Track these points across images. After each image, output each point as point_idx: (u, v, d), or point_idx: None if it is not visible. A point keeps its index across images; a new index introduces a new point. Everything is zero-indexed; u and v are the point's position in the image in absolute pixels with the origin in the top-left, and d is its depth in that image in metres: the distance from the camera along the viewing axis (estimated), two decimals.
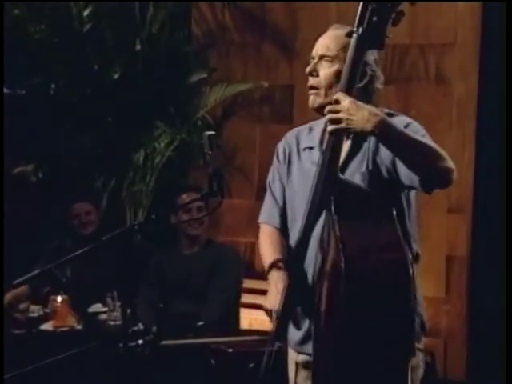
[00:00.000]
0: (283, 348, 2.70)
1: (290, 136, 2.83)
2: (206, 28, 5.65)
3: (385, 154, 2.54)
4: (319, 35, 2.72)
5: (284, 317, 2.60)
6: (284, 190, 2.78)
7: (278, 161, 2.81)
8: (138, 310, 4.48)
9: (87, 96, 5.42)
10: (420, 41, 5.03)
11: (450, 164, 2.47)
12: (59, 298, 4.33)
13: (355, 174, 2.58)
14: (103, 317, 4.43)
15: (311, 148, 2.70)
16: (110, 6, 5.43)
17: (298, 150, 2.76)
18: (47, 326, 4.31)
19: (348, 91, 2.46)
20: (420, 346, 2.65)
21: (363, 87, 2.59)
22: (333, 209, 2.43)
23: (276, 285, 2.62)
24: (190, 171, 5.55)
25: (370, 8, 2.43)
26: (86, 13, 5.35)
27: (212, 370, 3.97)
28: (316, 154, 2.64)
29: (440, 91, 5.00)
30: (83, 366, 3.74)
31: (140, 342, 2.56)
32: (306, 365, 2.66)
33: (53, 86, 5.50)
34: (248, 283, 4.87)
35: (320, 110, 2.63)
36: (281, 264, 2.68)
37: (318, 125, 2.71)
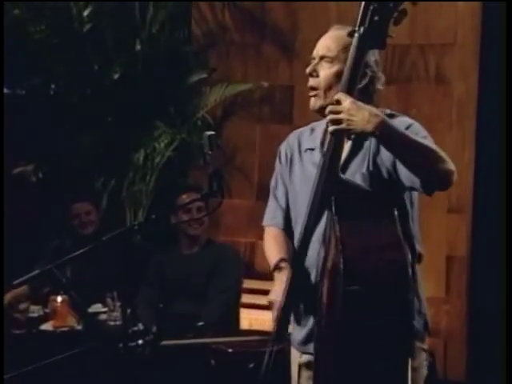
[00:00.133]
0: (284, 348, 2.70)
1: (291, 138, 2.83)
2: (206, 28, 5.65)
3: (385, 155, 2.53)
4: (319, 35, 2.72)
5: (285, 316, 2.60)
6: (287, 192, 2.79)
7: (280, 163, 2.82)
8: (138, 310, 4.48)
9: (87, 96, 5.42)
10: (420, 41, 5.03)
11: (451, 166, 2.46)
12: (59, 298, 4.32)
13: (356, 174, 2.58)
14: (103, 317, 4.43)
15: (312, 149, 2.70)
16: (110, 6, 5.43)
17: (300, 152, 2.76)
18: (47, 326, 4.31)
19: (349, 91, 2.46)
20: (424, 346, 2.65)
21: (363, 88, 2.59)
22: (333, 209, 2.44)
23: (282, 281, 2.62)
24: (190, 171, 5.54)
25: (371, 7, 2.43)
26: (85, 13, 5.35)
27: (212, 370, 3.97)
28: (317, 155, 2.64)
29: (440, 91, 5.00)
30: (83, 366, 3.74)
31: (140, 342, 2.55)
32: (309, 365, 2.65)
33: (53, 86, 5.50)
34: (248, 283, 4.87)
35: (321, 112, 2.63)
36: (285, 263, 2.68)
37: (320, 126, 2.71)
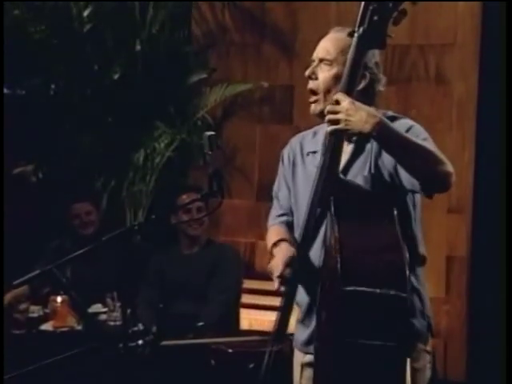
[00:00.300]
0: (283, 348, 2.70)
1: (294, 141, 2.83)
2: (206, 28, 5.65)
3: (387, 157, 2.53)
4: (319, 36, 2.72)
5: (284, 316, 2.60)
6: (289, 194, 2.79)
7: (283, 165, 2.82)
8: (138, 310, 4.48)
9: (87, 96, 5.42)
10: (420, 41, 5.03)
11: (449, 168, 2.46)
12: (59, 299, 4.32)
13: (357, 176, 2.58)
14: (103, 317, 4.43)
15: (315, 152, 2.70)
16: (110, 6, 5.42)
17: (302, 155, 2.76)
18: (47, 327, 4.31)
19: (348, 92, 2.47)
20: (427, 348, 2.65)
21: (363, 90, 2.59)
22: (332, 209, 2.44)
23: (282, 251, 2.63)
24: (190, 171, 5.55)
25: (370, 7, 2.43)
26: (86, 13, 5.35)
27: (212, 370, 3.97)
28: (319, 158, 2.64)
29: (440, 91, 5.01)
30: (83, 366, 3.73)
31: (140, 342, 2.55)
32: (311, 365, 2.65)
33: (53, 86, 5.50)
34: (248, 283, 4.87)
35: (322, 116, 2.64)
36: (283, 241, 2.69)
37: (322, 129, 2.71)
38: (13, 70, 5.22)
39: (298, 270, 2.55)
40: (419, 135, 2.55)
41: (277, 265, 2.56)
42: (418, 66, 5.05)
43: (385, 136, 2.43)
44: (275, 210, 2.86)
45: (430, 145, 2.52)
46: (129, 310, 4.25)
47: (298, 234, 2.68)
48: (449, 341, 4.94)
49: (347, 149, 2.59)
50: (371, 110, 2.45)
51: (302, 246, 2.58)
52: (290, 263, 2.54)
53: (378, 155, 2.58)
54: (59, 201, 5.03)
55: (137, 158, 5.36)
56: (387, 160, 2.54)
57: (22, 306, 4.38)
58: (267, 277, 2.68)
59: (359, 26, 2.45)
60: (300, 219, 2.68)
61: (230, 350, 3.97)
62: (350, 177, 2.59)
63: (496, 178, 4.13)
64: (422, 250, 2.64)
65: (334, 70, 2.62)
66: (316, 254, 2.57)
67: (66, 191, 5.14)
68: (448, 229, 4.95)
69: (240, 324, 4.83)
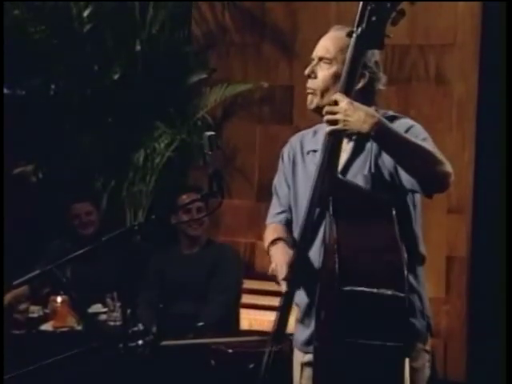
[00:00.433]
0: (283, 348, 2.70)
1: (294, 140, 2.83)
2: (206, 28, 5.65)
3: (387, 157, 2.53)
4: (319, 35, 2.72)
5: (284, 316, 2.60)
6: (289, 192, 2.79)
7: (283, 163, 2.82)
8: (138, 310, 4.48)
9: (87, 96, 5.42)
10: (420, 41, 5.03)
11: (448, 168, 2.47)
12: (59, 299, 4.33)
13: (357, 176, 2.58)
14: (103, 317, 4.43)
15: (315, 151, 2.70)
16: (110, 6, 5.42)
17: (303, 154, 2.76)
18: (47, 327, 4.31)
19: (347, 92, 2.47)
20: (426, 347, 2.65)
21: (362, 89, 2.59)
22: (331, 209, 2.44)
23: (280, 250, 2.64)
24: (190, 172, 5.55)
25: (369, 8, 2.43)
26: (86, 13, 5.35)
27: (212, 370, 3.97)
28: (319, 157, 2.64)
29: (440, 91, 5.00)
30: (83, 366, 3.73)
31: (140, 342, 2.55)
32: (311, 364, 2.65)
33: (53, 86, 5.50)
34: (248, 284, 4.87)
35: (317, 111, 2.64)
36: (280, 240, 2.69)
37: (323, 128, 2.71)
38: (13, 70, 5.22)
39: (298, 270, 2.55)
40: (419, 135, 2.55)
41: (280, 266, 2.56)
42: (417, 66, 5.05)
43: (383, 136, 2.43)
44: (274, 207, 2.85)
45: (429, 145, 2.51)
46: (129, 310, 4.26)
47: (297, 233, 2.68)
48: (449, 341, 4.94)
49: (347, 147, 2.59)
50: (370, 110, 2.45)
51: (301, 246, 2.57)
52: (291, 266, 2.54)
53: (378, 154, 2.58)
54: (59, 201, 5.03)
55: (137, 158, 5.36)
56: (387, 159, 2.54)
57: (22, 306, 4.38)
58: (267, 277, 2.68)
59: (357, 26, 2.46)
60: (299, 218, 2.68)
61: (230, 350, 3.97)
62: (349, 176, 2.59)
63: (496, 178, 4.13)
64: (422, 249, 2.64)
65: (333, 69, 2.62)
66: (315, 254, 2.57)
67: (66, 191, 5.14)
68: (448, 229, 4.95)
69: (240, 324, 4.83)
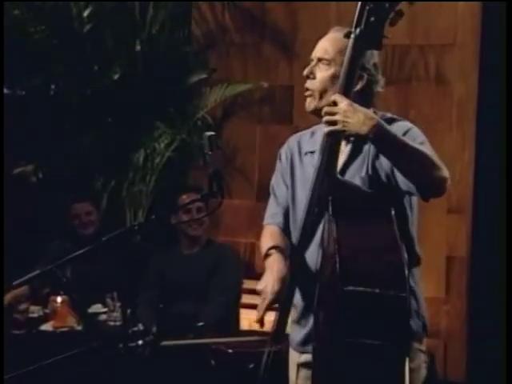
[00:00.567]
0: (282, 349, 2.70)
1: (292, 141, 2.83)
2: (206, 28, 5.65)
3: (384, 159, 2.53)
4: (319, 35, 2.72)
5: (283, 317, 2.60)
6: (287, 192, 2.79)
7: (281, 163, 2.82)
8: (138, 310, 4.48)
9: (87, 96, 5.42)
10: (420, 41, 5.03)
11: (445, 173, 2.47)
12: (59, 299, 4.33)
13: (354, 177, 2.58)
14: (103, 317, 4.43)
15: (313, 152, 2.70)
16: (110, 6, 5.42)
17: (300, 155, 2.76)
18: (47, 327, 4.31)
19: (345, 93, 2.47)
20: (422, 347, 2.65)
21: (360, 90, 2.59)
22: (330, 209, 2.44)
23: (272, 268, 2.62)
24: (190, 172, 5.55)
25: (367, 8, 2.43)
26: (86, 13, 5.35)
27: (212, 370, 3.97)
28: (317, 158, 2.64)
29: (440, 92, 5.00)
30: (83, 366, 3.74)
31: (140, 342, 2.55)
32: (307, 364, 2.66)
33: (53, 86, 5.50)
34: (248, 284, 4.86)
35: (315, 113, 2.64)
36: (276, 250, 2.68)
37: (320, 129, 2.71)
38: (13, 70, 5.22)
39: (296, 271, 2.55)
40: (416, 138, 2.55)
41: (266, 292, 2.57)
42: (417, 66, 5.05)
43: (382, 138, 2.43)
44: (272, 208, 2.85)
45: (426, 149, 2.52)
46: (129, 310, 4.26)
47: (295, 234, 2.67)
48: (449, 341, 4.94)
49: (345, 149, 2.60)
50: (369, 112, 2.46)
51: (300, 247, 2.57)
52: (280, 290, 2.55)
53: (376, 156, 2.58)
54: (59, 201, 5.03)
55: (137, 158, 5.36)
56: (384, 161, 2.54)
57: (22, 307, 4.38)
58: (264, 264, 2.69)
59: (356, 27, 2.46)
60: (297, 218, 2.67)
61: (230, 351, 3.97)
62: (347, 177, 2.59)
63: (496, 178, 4.13)
64: (418, 250, 2.64)
65: (331, 70, 2.62)
66: (313, 254, 2.56)
67: (66, 191, 5.14)
68: (448, 229, 4.95)
69: (240, 324, 4.83)
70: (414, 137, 2.56)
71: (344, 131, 2.44)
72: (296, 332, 2.70)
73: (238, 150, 5.50)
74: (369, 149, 2.59)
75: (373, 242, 2.43)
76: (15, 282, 2.61)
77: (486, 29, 4.83)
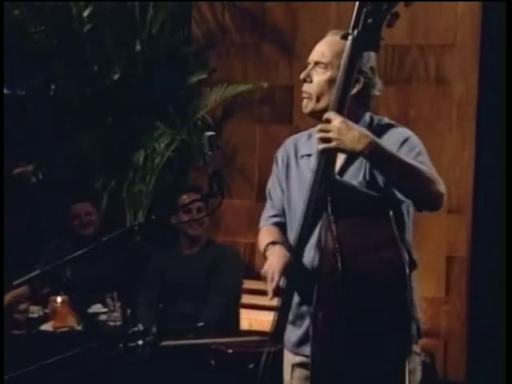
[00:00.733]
0: (282, 349, 2.70)
1: (288, 143, 2.83)
2: (206, 29, 5.65)
3: None
4: (319, 36, 2.72)
5: (282, 317, 2.60)
6: (283, 195, 2.78)
7: (277, 167, 2.82)
8: (138, 310, 4.48)
9: (87, 96, 5.42)
10: (420, 41, 5.03)
11: (441, 188, 2.47)
12: (59, 299, 4.33)
13: (351, 182, 2.58)
14: (103, 317, 4.43)
15: (309, 155, 2.70)
16: (110, 6, 5.42)
17: (297, 157, 2.76)
18: (47, 327, 4.31)
19: (342, 96, 2.47)
20: (417, 349, 2.65)
21: (357, 94, 2.59)
22: (329, 209, 2.44)
23: (274, 253, 2.62)
24: (190, 172, 5.55)
25: (364, 10, 2.44)
26: (85, 13, 5.35)
27: (212, 370, 3.97)
28: (314, 162, 2.63)
29: (440, 92, 5.00)
30: (83, 366, 3.74)
31: (140, 342, 2.56)
32: (302, 365, 2.66)
33: (53, 86, 5.50)
34: (248, 284, 4.87)
35: (313, 115, 2.64)
36: (276, 244, 2.67)
37: None
38: (13, 70, 5.22)
39: (294, 273, 2.55)
40: (414, 148, 2.55)
41: (272, 273, 2.54)
42: (417, 66, 5.05)
43: (376, 156, 2.43)
44: (267, 211, 2.85)
45: (424, 160, 2.51)
46: (129, 311, 4.26)
47: (291, 236, 2.67)
48: (449, 341, 4.94)
49: (341, 154, 2.59)
50: (363, 129, 2.46)
51: (298, 249, 2.57)
52: (285, 271, 2.53)
53: None
54: (59, 201, 5.03)
55: (137, 158, 5.36)
56: None
57: (22, 307, 4.38)
58: (265, 257, 2.69)
59: (353, 29, 2.46)
60: (293, 222, 2.67)
61: (230, 351, 3.97)
62: None
63: (496, 178, 4.13)
64: (414, 256, 2.64)
65: (328, 74, 2.62)
66: (309, 255, 2.56)
67: (66, 191, 5.14)
68: (448, 229, 4.95)
69: (240, 324, 4.83)
70: (412, 147, 2.56)
71: (338, 149, 2.44)
72: (291, 333, 2.69)
73: (238, 150, 5.50)
74: None
75: (373, 241, 2.43)
76: (15, 282, 2.61)
77: (486, 29, 4.83)
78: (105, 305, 4.44)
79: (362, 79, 2.60)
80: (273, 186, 2.83)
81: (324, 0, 5.21)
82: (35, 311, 4.49)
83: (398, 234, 2.46)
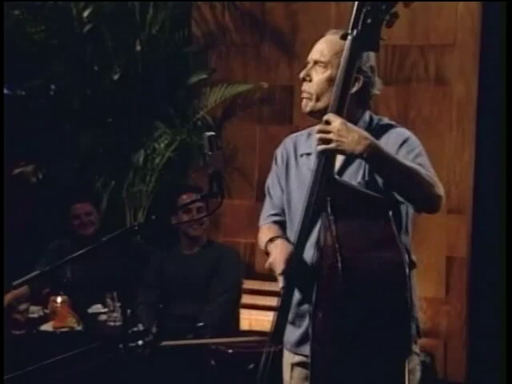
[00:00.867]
0: (282, 349, 2.70)
1: (288, 142, 2.83)
2: (206, 29, 5.65)
3: None
4: (319, 36, 2.72)
5: (282, 317, 2.60)
6: (282, 194, 2.78)
7: (277, 165, 2.82)
8: (138, 310, 4.48)
9: (87, 97, 5.42)
10: (420, 42, 5.03)
11: (439, 191, 2.47)
12: (59, 299, 4.33)
13: (351, 182, 2.58)
14: (103, 317, 4.43)
15: (309, 154, 2.70)
16: (110, 6, 5.42)
17: (296, 156, 2.76)
18: (47, 327, 4.31)
19: (342, 95, 2.48)
20: (416, 349, 2.65)
21: (357, 93, 2.59)
22: (329, 209, 2.44)
23: (277, 246, 2.62)
24: (190, 172, 5.55)
25: (364, 10, 2.44)
26: (85, 13, 5.35)
27: (212, 370, 3.97)
28: (313, 160, 2.63)
29: (440, 92, 5.00)
30: (83, 366, 3.74)
31: (140, 342, 2.55)
32: (301, 365, 2.66)
33: (53, 86, 5.50)
34: (248, 284, 4.88)
35: (312, 115, 2.65)
36: (278, 238, 2.67)
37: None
38: (13, 70, 5.22)
39: (294, 272, 2.55)
40: (413, 149, 2.55)
41: (278, 261, 2.54)
42: (417, 66, 5.05)
43: (376, 158, 2.43)
44: (267, 209, 2.85)
45: (423, 161, 2.52)
46: (129, 311, 4.26)
47: (291, 235, 2.67)
48: (449, 342, 4.94)
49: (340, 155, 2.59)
50: (362, 131, 2.46)
51: (298, 249, 2.57)
52: (290, 259, 2.53)
53: None
54: (59, 201, 5.03)
55: (137, 158, 5.36)
56: None
57: (22, 307, 4.38)
58: (267, 277, 2.68)
59: (352, 29, 2.46)
60: (293, 220, 2.67)
61: (230, 351, 3.97)
62: None
63: (496, 178, 4.13)
64: (413, 257, 2.64)
65: (328, 73, 2.63)
66: (308, 255, 2.56)
67: (66, 191, 5.14)
68: (448, 229, 4.95)
69: (240, 324, 4.83)
70: (411, 148, 2.56)
71: (338, 150, 2.44)
72: (290, 332, 2.69)
73: (238, 151, 5.50)
74: None
75: (372, 241, 2.44)
76: (15, 282, 2.61)
77: (486, 29, 4.83)
78: (105, 305, 4.44)
79: (362, 78, 2.60)
80: (272, 183, 2.83)
81: (324, 0, 5.21)
82: (35, 311, 4.49)
83: (397, 234, 2.47)
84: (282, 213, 2.79)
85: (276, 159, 2.83)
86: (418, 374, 2.66)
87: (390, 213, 2.46)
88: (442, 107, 4.99)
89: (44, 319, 4.40)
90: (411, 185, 2.45)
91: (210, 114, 5.49)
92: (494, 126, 4.35)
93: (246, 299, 4.88)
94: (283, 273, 2.51)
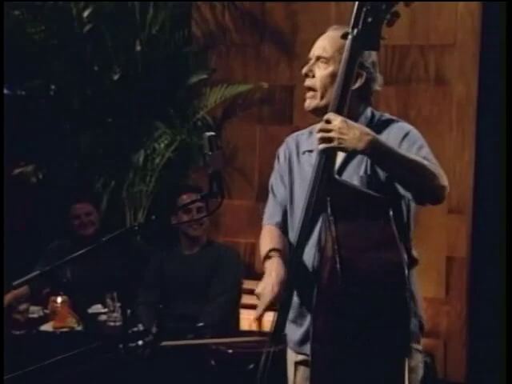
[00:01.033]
0: (282, 349, 2.70)
1: (290, 140, 2.84)
2: (206, 29, 5.65)
3: None
4: (319, 36, 2.72)
5: (282, 317, 2.60)
6: (285, 191, 2.79)
7: (279, 164, 2.83)
8: (138, 310, 4.48)
9: (87, 97, 5.42)
10: (420, 42, 5.03)
11: (443, 182, 2.47)
12: (59, 299, 4.33)
13: (352, 177, 2.58)
14: (103, 318, 4.43)
15: (310, 151, 2.70)
16: (110, 6, 5.42)
17: (298, 154, 2.77)
18: (47, 327, 4.31)
19: (343, 92, 2.48)
20: (419, 347, 2.66)
21: (359, 89, 2.59)
22: (329, 209, 2.44)
23: (271, 271, 2.61)
24: (190, 172, 5.55)
25: (364, 9, 2.44)
26: (85, 14, 5.35)
27: (212, 370, 3.97)
28: (315, 158, 2.64)
29: (440, 92, 5.00)
30: (83, 366, 3.74)
31: (140, 342, 2.55)
32: (305, 364, 2.66)
33: (53, 86, 5.50)
34: (248, 284, 4.87)
35: (316, 113, 2.65)
36: (276, 253, 2.67)
37: None
38: (13, 70, 5.22)
39: (294, 273, 2.55)
40: (415, 142, 2.55)
41: (263, 300, 2.54)
42: (417, 66, 5.05)
43: (378, 153, 2.44)
44: (271, 207, 2.85)
45: (426, 153, 2.52)
46: (129, 311, 4.26)
47: (292, 233, 2.68)
48: (449, 341, 4.94)
49: None
50: (363, 127, 2.46)
51: (298, 248, 2.57)
52: (277, 300, 2.53)
53: None
54: (59, 201, 5.03)
55: (137, 158, 5.36)
56: None
57: (22, 307, 4.38)
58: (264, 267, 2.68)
59: (353, 28, 2.46)
60: (295, 217, 2.68)
61: (230, 351, 3.96)
62: (345, 177, 2.60)
63: (496, 178, 4.13)
64: (414, 253, 2.64)
65: (330, 68, 2.63)
66: (309, 254, 2.56)
67: (66, 192, 5.14)
68: (448, 229, 4.95)
69: (240, 324, 4.83)
70: (413, 141, 2.56)
71: (340, 148, 2.44)
72: (293, 331, 2.69)
73: (238, 151, 5.50)
74: None
75: (372, 241, 2.44)
76: (15, 282, 2.61)
77: (486, 29, 4.83)
78: (105, 305, 4.44)
79: (365, 74, 2.61)
80: (275, 182, 2.84)
81: (324, 0, 5.21)
82: (35, 311, 4.49)
83: (398, 231, 2.47)
84: (285, 210, 2.79)
85: (278, 158, 2.84)
86: (420, 372, 2.67)
87: (391, 213, 2.46)
88: (441, 107, 4.99)
89: (44, 319, 4.40)
90: (415, 177, 2.45)
91: (209, 114, 5.49)
92: (494, 126, 4.36)
93: (246, 299, 4.87)
94: (259, 313, 2.53)
